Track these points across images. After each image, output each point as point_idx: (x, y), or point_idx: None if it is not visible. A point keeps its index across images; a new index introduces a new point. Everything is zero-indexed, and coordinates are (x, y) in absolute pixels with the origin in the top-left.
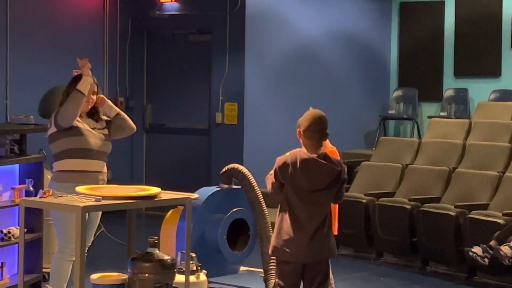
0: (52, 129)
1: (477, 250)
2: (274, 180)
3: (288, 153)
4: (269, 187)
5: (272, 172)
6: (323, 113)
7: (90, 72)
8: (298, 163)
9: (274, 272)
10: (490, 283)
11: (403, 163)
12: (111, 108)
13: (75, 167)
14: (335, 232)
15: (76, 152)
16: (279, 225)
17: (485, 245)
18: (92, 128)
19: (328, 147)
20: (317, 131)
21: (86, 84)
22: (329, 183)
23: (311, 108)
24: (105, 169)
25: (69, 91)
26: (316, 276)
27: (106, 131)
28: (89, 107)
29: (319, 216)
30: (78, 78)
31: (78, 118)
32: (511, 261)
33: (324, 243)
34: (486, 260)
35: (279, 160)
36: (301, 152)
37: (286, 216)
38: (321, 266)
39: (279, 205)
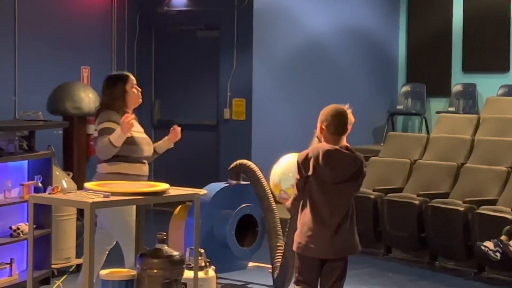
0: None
1: (489, 244)
2: (298, 177)
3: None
4: (288, 203)
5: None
6: (343, 107)
7: (130, 130)
8: (321, 155)
9: (279, 259)
10: (499, 279)
11: (412, 158)
12: (167, 147)
13: (128, 171)
14: None
15: (128, 158)
16: (302, 221)
17: (496, 240)
18: (139, 132)
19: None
20: (341, 125)
21: (121, 139)
22: (352, 173)
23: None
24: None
25: (110, 93)
26: (335, 271)
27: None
28: (140, 101)
29: (341, 211)
30: (118, 79)
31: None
32: None
33: (348, 239)
34: (498, 254)
35: (301, 155)
36: (324, 144)
37: (308, 212)
38: (340, 262)
39: (301, 203)
